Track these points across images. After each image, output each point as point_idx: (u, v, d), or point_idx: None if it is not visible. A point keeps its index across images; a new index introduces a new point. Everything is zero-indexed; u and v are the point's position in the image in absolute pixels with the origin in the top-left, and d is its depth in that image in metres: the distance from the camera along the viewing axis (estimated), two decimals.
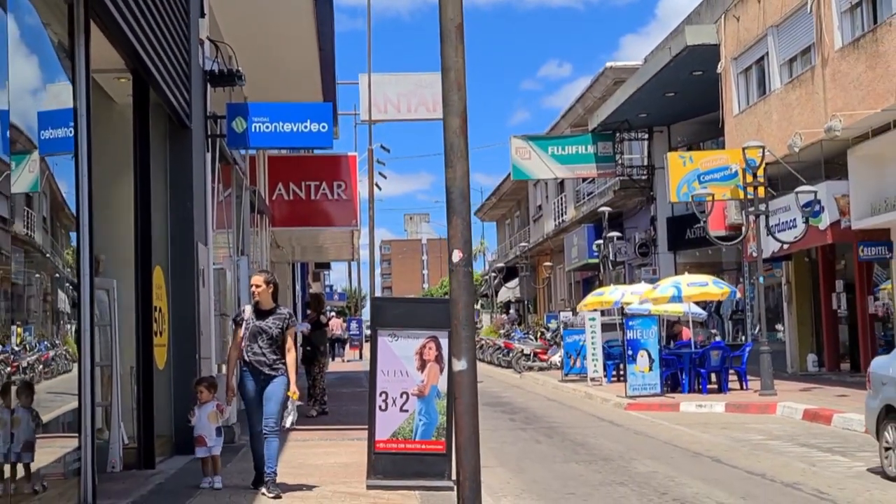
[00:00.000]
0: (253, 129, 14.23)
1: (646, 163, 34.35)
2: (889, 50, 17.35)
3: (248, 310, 9.66)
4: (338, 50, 21.61)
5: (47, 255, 8.18)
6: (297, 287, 37.92)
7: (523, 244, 52.58)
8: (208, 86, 13.94)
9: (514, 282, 58.47)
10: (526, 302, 57.72)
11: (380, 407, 9.85)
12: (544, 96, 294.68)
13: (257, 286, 9.58)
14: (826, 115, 19.45)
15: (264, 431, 9.34)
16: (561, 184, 44.46)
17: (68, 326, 8.66)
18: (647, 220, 34.61)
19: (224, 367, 14.41)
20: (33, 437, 7.09)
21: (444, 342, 9.62)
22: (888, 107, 17.50)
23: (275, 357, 9.42)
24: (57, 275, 8.53)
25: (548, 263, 49.85)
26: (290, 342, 9.57)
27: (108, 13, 8.76)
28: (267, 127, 14.30)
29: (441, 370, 9.72)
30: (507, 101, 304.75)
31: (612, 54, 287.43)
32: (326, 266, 51.88)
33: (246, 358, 9.45)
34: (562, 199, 45.88)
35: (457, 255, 5.62)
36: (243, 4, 14.48)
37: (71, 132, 8.40)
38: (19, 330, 7.28)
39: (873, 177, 19.60)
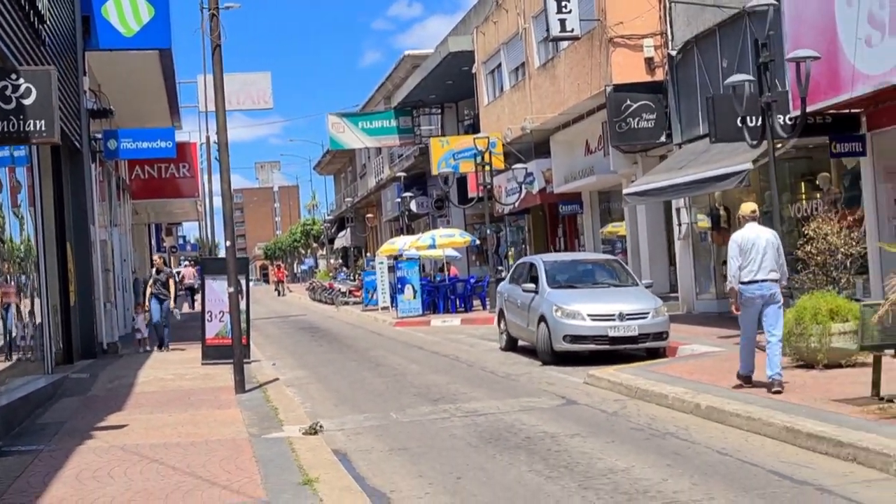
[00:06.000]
0: (122, 147, 21.46)
1: (439, 133, 42.26)
2: (560, 74, 25.44)
3: (153, 271, 19.79)
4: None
5: (25, 238, 15.39)
6: (153, 242, 44.70)
7: (349, 199, 60.21)
8: (90, 119, 21.05)
9: (345, 231, 66.05)
10: (355, 248, 65.41)
11: (207, 319, 17.49)
12: (396, 35, 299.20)
13: (155, 261, 20.38)
14: (532, 114, 27.54)
15: (161, 323, 19.44)
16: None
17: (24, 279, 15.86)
18: (442, 181, 42.56)
19: (108, 305, 21.89)
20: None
21: (242, 281, 17.30)
22: (561, 112, 25.65)
23: (165, 291, 19.48)
24: (25, 250, 15.72)
25: (371, 215, 57.68)
26: (171, 283, 19.70)
27: None
28: (131, 145, 21.56)
29: (241, 297, 17.38)
30: (357, 42, 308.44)
31: None
32: (178, 224, 58.57)
33: (153, 291, 19.51)
34: (380, 159, 53.60)
35: (228, 242, 13.27)
36: (111, 64, 21.52)
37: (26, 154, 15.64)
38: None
39: (566, 156, 27.82)
